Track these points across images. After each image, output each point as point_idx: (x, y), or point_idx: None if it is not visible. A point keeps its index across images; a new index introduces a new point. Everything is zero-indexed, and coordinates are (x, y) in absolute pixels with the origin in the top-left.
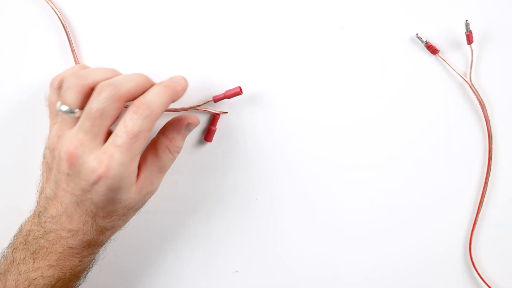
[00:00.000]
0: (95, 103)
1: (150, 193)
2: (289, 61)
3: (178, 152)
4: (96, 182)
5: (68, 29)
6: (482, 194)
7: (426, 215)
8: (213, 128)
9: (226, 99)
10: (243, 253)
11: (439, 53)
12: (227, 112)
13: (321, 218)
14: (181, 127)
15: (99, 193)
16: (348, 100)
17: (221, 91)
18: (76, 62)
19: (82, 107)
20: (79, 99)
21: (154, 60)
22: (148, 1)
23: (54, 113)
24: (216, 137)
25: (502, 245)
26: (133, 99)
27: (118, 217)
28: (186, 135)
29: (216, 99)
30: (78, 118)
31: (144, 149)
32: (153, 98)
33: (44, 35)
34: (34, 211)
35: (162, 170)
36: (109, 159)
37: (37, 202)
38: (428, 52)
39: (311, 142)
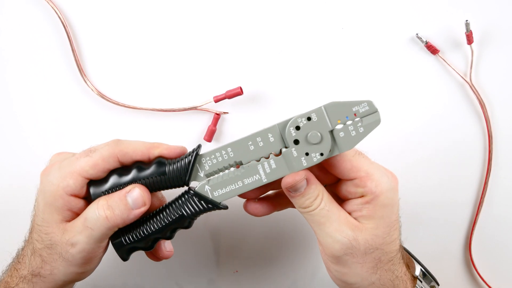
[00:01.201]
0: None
1: (72, 246)
2: (289, 61)
3: (108, 217)
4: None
5: (69, 29)
6: (482, 194)
7: (426, 215)
8: (213, 128)
9: (226, 99)
10: (243, 253)
11: (439, 53)
12: (227, 112)
13: None
14: (124, 193)
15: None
16: (348, 99)
17: (221, 91)
18: (77, 61)
19: None
20: None
21: (154, 60)
22: (149, 1)
23: None
24: (218, 137)
25: (502, 245)
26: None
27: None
28: (131, 210)
29: (217, 99)
30: None
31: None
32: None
33: (45, 35)
34: None
35: (84, 225)
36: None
37: None
38: (428, 52)
39: None
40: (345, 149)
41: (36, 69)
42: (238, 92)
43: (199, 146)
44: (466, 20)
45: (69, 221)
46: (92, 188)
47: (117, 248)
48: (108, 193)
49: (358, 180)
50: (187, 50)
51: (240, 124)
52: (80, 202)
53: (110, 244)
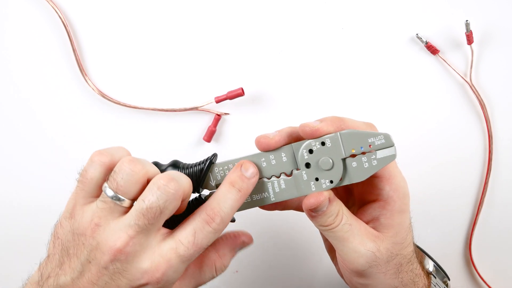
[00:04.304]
0: (155, 199)
1: None
2: (289, 62)
3: (222, 271)
4: (142, 285)
5: (69, 28)
6: (482, 194)
7: (426, 215)
8: (213, 129)
9: (228, 100)
10: (243, 253)
11: (439, 53)
12: (228, 113)
13: None
14: (237, 245)
15: None
16: (348, 100)
17: (223, 91)
18: (78, 61)
19: (135, 198)
20: (136, 190)
21: (156, 60)
22: (150, 2)
23: (89, 190)
24: (217, 138)
25: (502, 245)
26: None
27: None
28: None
29: (218, 100)
30: (126, 208)
31: None
32: (228, 209)
33: (45, 35)
34: None
35: (198, 285)
36: (166, 265)
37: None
38: (428, 52)
39: None
40: (355, 180)
41: (37, 69)
42: (240, 93)
43: (214, 155)
44: (466, 20)
45: None
46: None
47: None
48: None
49: (379, 180)
50: (189, 50)
51: (240, 125)
52: None
53: None
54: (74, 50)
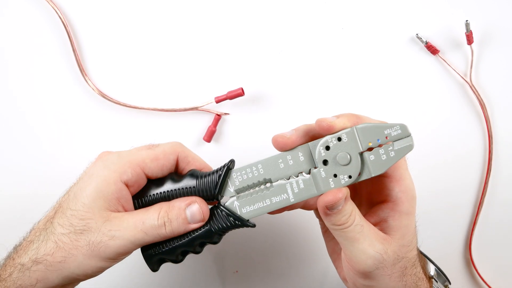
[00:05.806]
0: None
1: (111, 238)
2: (289, 62)
3: (166, 229)
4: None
5: (69, 28)
6: (482, 194)
7: (426, 215)
8: (213, 129)
9: (228, 100)
10: (243, 253)
11: (439, 53)
12: (228, 113)
13: None
14: (184, 207)
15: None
16: (348, 100)
17: (223, 91)
18: (78, 61)
19: None
20: None
21: (156, 60)
22: (150, 2)
23: None
24: (217, 138)
25: (502, 245)
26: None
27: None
28: (188, 224)
29: (218, 100)
30: None
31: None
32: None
33: (45, 35)
34: None
35: (138, 226)
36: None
37: None
38: (428, 52)
39: None
40: (374, 173)
41: (37, 69)
42: (240, 93)
43: (231, 161)
44: (466, 20)
45: (113, 211)
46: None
47: (147, 259)
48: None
49: (389, 180)
50: (189, 50)
51: (240, 125)
52: (129, 196)
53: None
54: (74, 50)
